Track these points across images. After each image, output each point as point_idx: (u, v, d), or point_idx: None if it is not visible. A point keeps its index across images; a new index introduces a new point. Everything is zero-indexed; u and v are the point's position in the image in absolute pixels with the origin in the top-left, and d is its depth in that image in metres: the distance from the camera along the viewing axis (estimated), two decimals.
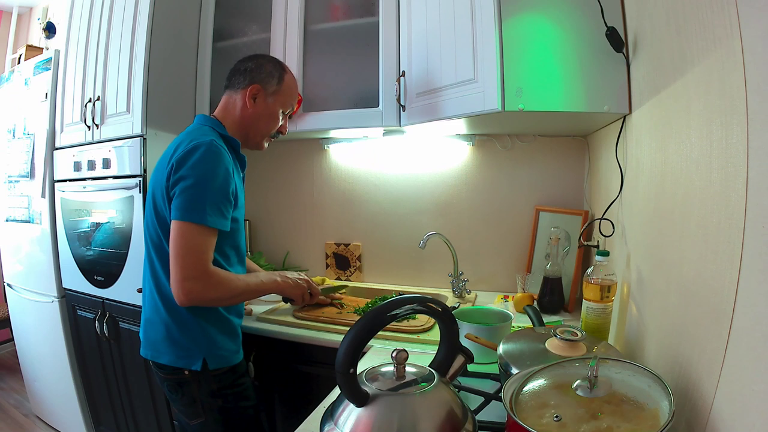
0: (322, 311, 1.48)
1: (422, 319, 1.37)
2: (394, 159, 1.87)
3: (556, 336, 0.80)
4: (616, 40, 1.03)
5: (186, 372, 1.12)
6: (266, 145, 1.29)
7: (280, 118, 1.26)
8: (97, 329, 1.83)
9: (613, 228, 1.16)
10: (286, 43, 1.64)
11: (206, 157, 1.04)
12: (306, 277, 1.38)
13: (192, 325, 1.11)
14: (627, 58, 1.06)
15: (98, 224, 1.80)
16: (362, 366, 0.68)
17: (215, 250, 1.08)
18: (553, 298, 1.47)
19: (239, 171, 1.21)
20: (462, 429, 0.61)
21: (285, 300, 1.42)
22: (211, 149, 1.05)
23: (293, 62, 1.62)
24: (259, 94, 1.19)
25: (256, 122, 1.22)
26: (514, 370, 0.77)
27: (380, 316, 0.61)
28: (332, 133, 1.80)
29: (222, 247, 1.11)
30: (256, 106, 1.20)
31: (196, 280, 1.02)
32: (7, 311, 2.44)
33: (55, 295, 2.00)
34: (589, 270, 1.04)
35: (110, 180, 1.74)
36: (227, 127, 1.19)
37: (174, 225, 1.03)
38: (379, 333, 0.63)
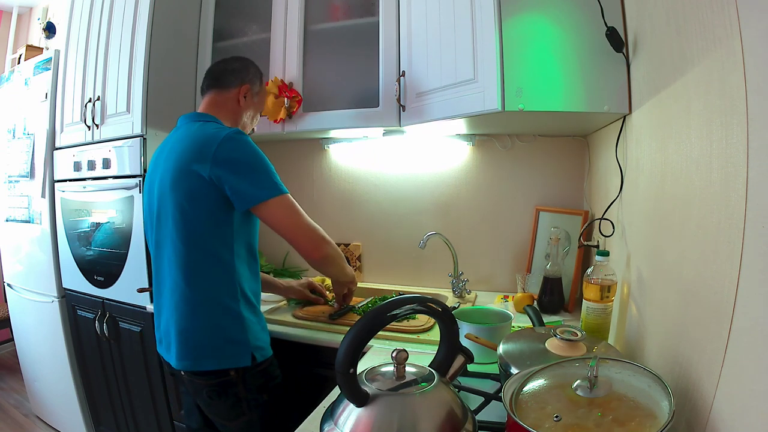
0: (321, 311, 1.48)
1: (422, 319, 1.37)
2: (394, 159, 1.87)
3: (556, 336, 0.80)
4: (616, 40, 1.03)
5: (232, 373, 1.11)
6: None
7: (258, 118, 1.35)
8: (97, 329, 1.83)
9: (613, 228, 1.16)
10: (286, 43, 1.64)
11: (247, 141, 1.10)
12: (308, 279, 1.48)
13: (237, 320, 1.12)
14: (627, 58, 1.06)
15: (98, 224, 1.80)
16: (362, 366, 0.68)
17: (235, 242, 1.12)
18: (553, 298, 1.47)
19: None
20: (462, 429, 0.61)
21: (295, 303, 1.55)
22: (245, 136, 1.12)
23: (293, 62, 1.62)
24: (248, 94, 1.26)
25: (242, 120, 1.28)
26: (514, 370, 0.77)
27: (380, 316, 0.61)
28: (332, 133, 1.80)
29: (239, 241, 1.14)
30: (245, 104, 1.26)
31: (327, 242, 1.19)
32: (7, 311, 2.44)
33: (55, 295, 2.00)
34: (589, 270, 1.04)
35: (110, 180, 1.74)
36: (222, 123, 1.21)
37: (265, 207, 1.09)
38: (379, 333, 0.63)
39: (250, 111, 1.28)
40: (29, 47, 2.43)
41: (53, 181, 1.97)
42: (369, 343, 0.68)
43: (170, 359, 1.15)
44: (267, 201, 1.09)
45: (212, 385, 1.12)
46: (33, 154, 2.02)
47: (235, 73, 1.23)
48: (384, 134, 1.72)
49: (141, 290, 1.65)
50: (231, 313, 1.11)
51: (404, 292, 1.63)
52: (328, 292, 1.60)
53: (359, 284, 1.92)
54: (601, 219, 1.21)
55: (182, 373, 1.15)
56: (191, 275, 1.10)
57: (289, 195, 1.13)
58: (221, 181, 1.06)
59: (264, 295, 1.63)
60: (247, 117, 1.29)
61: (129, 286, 1.69)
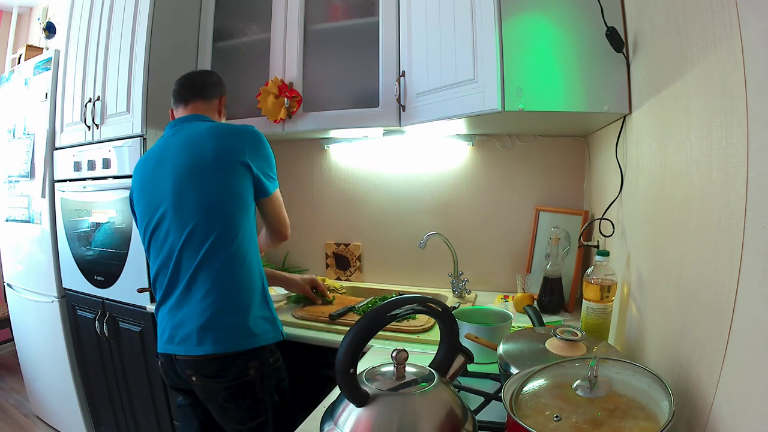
0: (321, 311, 1.48)
1: (422, 319, 1.37)
2: (394, 159, 1.87)
3: (556, 336, 0.80)
4: (616, 40, 1.03)
5: (252, 371, 1.13)
6: None
7: None
8: (97, 329, 1.83)
9: (613, 228, 1.16)
10: (286, 43, 1.64)
11: (261, 135, 1.24)
12: (312, 276, 1.59)
13: (266, 299, 1.22)
14: (627, 58, 1.06)
15: (98, 224, 1.80)
16: (362, 366, 0.68)
17: (253, 228, 1.23)
18: (553, 298, 1.47)
19: None
20: (462, 429, 0.61)
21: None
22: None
23: (293, 62, 1.62)
24: (223, 106, 1.37)
25: None
26: (514, 370, 0.77)
27: (380, 316, 0.61)
28: (332, 133, 1.80)
29: (253, 228, 1.24)
30: (222, 115, 1.37)
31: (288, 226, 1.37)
32: (7, 311, 2.44)
33: (55, 295, 2.00)
34: (589, 270, 1.04)
35: (110, 180, 1.74)
36: None
37: (273, 196, 1.26)
38: (379, 333, 0.63)
39: (223, 120, 1.38)
40: (29, 47, 2.43)
41: (53, 181, 1.97)
42: (369, 343, 0.68)
43: (198, 350, 1.10)
44: (273, 193, 1.26)
45: (231, 387, 1.12)
46: (33, 154, 2.02)
47: (216, 85, 1.34)
48: (384, 134, 1.72)
49: (141, 290, 1.65)
50: (260, 290, 1.21)
51: (404, 292, 1.63)
52: (330, 292, 1.60)
53: (359, 284, 1.93)
54: (601, 219, 1.21)
55: (193, 379, 1.13)
56: (231, 254, 1.14)
57: (278, 189, 1.30)
58: (252, 169, 1.18)
59: None
60: None
61: (129, 286, 1.69)
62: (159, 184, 1.18)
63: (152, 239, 1.21)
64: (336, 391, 0.88)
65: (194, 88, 1.29)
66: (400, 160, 1.86)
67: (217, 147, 1.16)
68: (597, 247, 1.27)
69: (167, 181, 1.16)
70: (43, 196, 1.99)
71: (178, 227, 1.15)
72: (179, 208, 1.15)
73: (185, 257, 1.14)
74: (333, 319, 1.42)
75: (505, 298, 1.65)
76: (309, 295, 1.56)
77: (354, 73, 1.61)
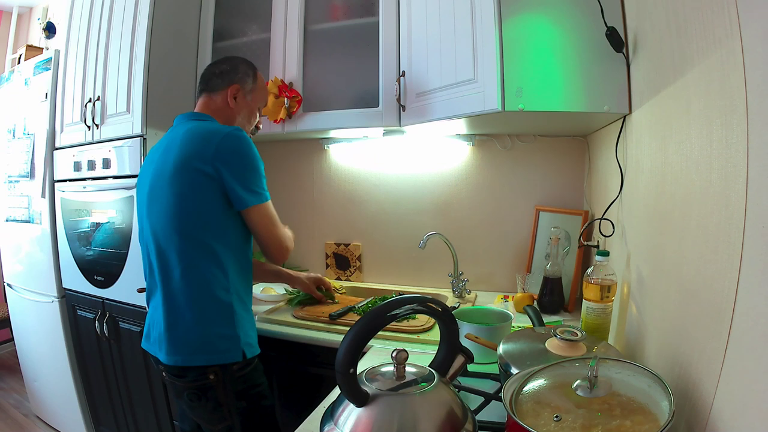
0: (321, 311, 1.48)
1: (422, 319, 1.37)
2: (394, 159, 1.87)
3: (556, 336, 0.80)
4: (616, 40, 1.03)
5: (211, 376, 1.10)
6: None
7: (258, 114, 1.33)
8: (97, 329, 1.83)
9: (613, 228, 1.16)
10: (286, 43, 1.64)
11: (247, 140, 1.13)
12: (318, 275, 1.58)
13: (231, 315, 1.12)
14: (627, 58, 1.06)
15: (98, 224, 1.80)
16: (362, 366, 0.68)
17: (229, 237, 1.14)
18: (553, 298, 1.47)
19: None
20: (462, 429, 0.61)
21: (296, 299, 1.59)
22: (245, 135, 1.13)
23: (293, 62, 1.62)
24: (239, 94, 1.24)
25: (238, 120, 1.26)
26: (514, 370, 0.77)
27: (380, 316, 0.61)
28: (332, 133, 1.80)
29: (233, 236, 1.16)
30: (237, 105, 1.25)
31: (288, 250, 1.23)
32: (7, 311, 2.44)
33: (55, 295, 2.00)
34: (589, 270, 1.04)
35: (110, 180, 1.74)
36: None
37: (254, 210, 1.13)
38: (379, 333, 0.63)
39: (244, 111, 1.27)
40: (29, 47, 2.43)
41: (53, 181, 1.97)
42: (369, 343, 0.68)
43: (160, 355, 1.13)
44: (253, 207, 1.12)
45: (192, 387, 1.12)
46: (33, 154, 2.02)
47: (222, 75, 1.23)
48: (384, 134, 1.72)
49: (141, 290, 1.65)
50: (222, 306, 1.11)
51: (404, 292, 1.63)
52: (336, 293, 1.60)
53: (359, 284, 1.93)
54: (601, 219, 1.21)
55: (164, 374, 1.16)
56: (184, 268, 1.10)
57: (270, 202, 1.17)
58: (221, 178, 1.08)
59: (264, 295, 1.64)
60: (243, 117, 1.27)
61: (129, 286, 1.69)
62: (141, 188, 1.21)
63: (140, 235, 1.24)
64: (336, 391, 0.89)
65: (203, 82, 1.26)
66: (400, 160, 1.86)
67: (179, 154, 1.10)
68: (597, 247, 1.27)
69: (145, 187, 1.18)
70: (43, 196, 1.99)
71: (150, 233, 1.17)
72: (150, 216, 1.16)
73: (155, 263, 1.16)
74: (333, 319, 1.42)
75: (505, 298, 1.65)
76: (314, 294, 1.55)
77: (354, 73, 1.61)
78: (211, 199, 1.09)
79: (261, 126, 1.38)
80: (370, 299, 1.62)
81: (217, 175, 1.08)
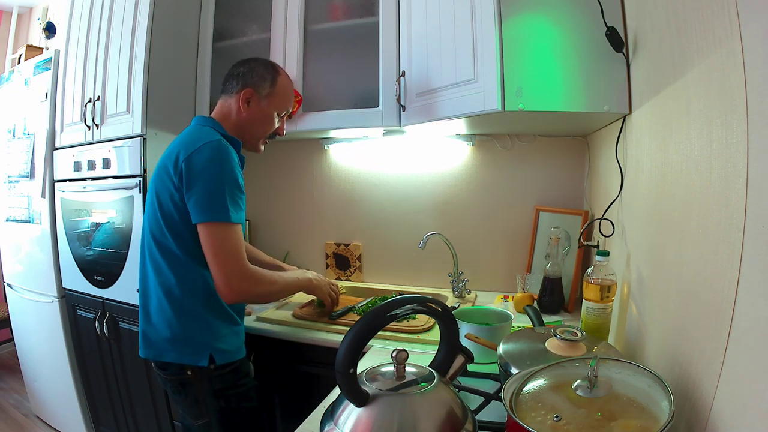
0: (321, 311, 1.48)
1: (422, 319, 1.37)
2: (394, 159, 1.87)
3: (556, 336, 0.80)
4: (616, 40, 1.03)
5: (189, 372, 1.12)
6: (263, 147, 1.30)
7: (276, 120, 1.26)
8: (97, 329, 1.83)
9: (613, 228, 1.16)
10: (286, 43, 1.64)
11: (217, 155, 1.06)
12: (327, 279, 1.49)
13: (199, 320, 1.12)
14: (627, 58, 1.06)
15: (98, 224, 1.79)
16: (362, 366, 0.68)
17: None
18: (553, 298, 1.47)
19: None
20: (462, 429, 0.61)
21: (318, 303, 1.50)
22: (221, 147, 1.08)
23: (293, 62, 1.62)
24: (252, 98, 1.20)
25: (251, 125, 1.22)
26: (514, 370, 0.77)
27: (380, 316, 0.61)
28: (332, 133, 1.80)
29: None
30: (250, 110, 1.20)
31: (241, 278, 1.05)
32: (7, 311, 2.44)
33: (55, 295, 2.00)
34: (589, 270, 1.04)
35: (110, 180, 1.73)
36: (226, 129, 1.20)
37: (202, 228, 1.05)
38: (379, 333, 0.63)
39: (258, 116, 1.21)
40: (29, 47, 2.43)
41: (53, 181, 1.97)
42: (369, 343, 0.68)
43: (140, 348, 1.20)
44: (201, 224, 1.05)
45: (173, 380, 1.16)
46: (33, 154, 2.02)
47: (238, 77, 1.20)
48: (384, 134, 1.72)
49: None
50: (191, 312, 1.12)
51: (404, 292, 1.63)
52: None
53: (359, 284, 1.93)
54: (601, 219, 1.21)
55: (153, 364, 1.20)
56: (166, 269, 1.13)
57: (230, 224, 1.05)
58: (182, 189, 1.07)
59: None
60: (256, 123, 1.21)
61: (129, 286, 1.69)
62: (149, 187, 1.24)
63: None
64: (336, 391, 0.89)
65: (223, 83, 1.24)
66: (400, 160, 1.86)
67: (163, 158, 1.15)
68: (597, 247, 1.27)
69: (149, 186, 1.21)
70: (43, 196, 1.99)
71: (143, 230, 1.21)
72: (144, 214, 1.21)
73: (142, 258, 1.22)
74: (333, 319, 1.42)
75: (505, 298, 1.65)
76: (327, 302, 1.45)
77: (354, 73, 1.61)
78: (181, 208, 1.07)
79: (283, 133, 1.32)
80: (370, 299, 1.62)
81: (179, 185, 1.06)
